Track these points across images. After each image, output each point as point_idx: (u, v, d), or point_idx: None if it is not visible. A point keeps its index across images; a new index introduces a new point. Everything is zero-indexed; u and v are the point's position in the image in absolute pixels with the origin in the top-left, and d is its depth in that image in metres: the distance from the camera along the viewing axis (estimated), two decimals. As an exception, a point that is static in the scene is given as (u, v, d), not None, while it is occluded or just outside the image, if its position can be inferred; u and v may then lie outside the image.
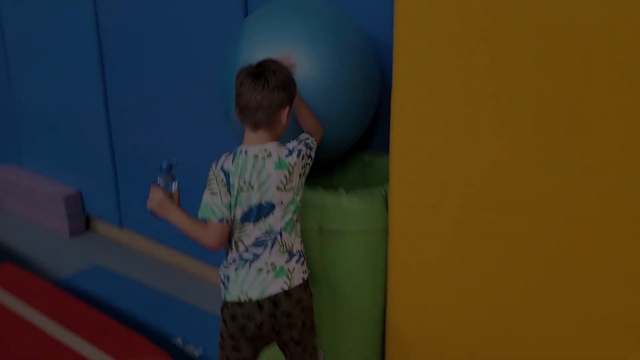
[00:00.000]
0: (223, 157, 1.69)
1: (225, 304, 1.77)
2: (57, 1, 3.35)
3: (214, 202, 1.66)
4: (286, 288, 1.71)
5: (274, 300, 1.71)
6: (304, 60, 1.86)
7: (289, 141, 1.76)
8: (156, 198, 1.72)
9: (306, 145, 1.76)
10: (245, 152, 1.68)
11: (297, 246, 1.75)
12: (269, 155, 1.68)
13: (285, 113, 1.69)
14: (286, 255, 1.72)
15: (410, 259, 1.78)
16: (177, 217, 1.71)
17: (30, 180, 3.81)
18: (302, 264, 1.76)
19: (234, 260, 1.73)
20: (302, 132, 1.83)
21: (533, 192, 1.53)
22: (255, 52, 1.86)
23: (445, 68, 1.57)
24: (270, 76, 1.65)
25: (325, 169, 2.33)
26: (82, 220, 3.66)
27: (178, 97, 2.99)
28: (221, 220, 1.67)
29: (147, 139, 3.21)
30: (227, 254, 1.77)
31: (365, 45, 2.05)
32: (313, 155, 1.78)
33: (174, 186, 1.75)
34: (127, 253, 3.45)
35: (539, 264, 1.57)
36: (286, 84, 1.68)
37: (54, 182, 3.74)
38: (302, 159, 1.73)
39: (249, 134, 1.70)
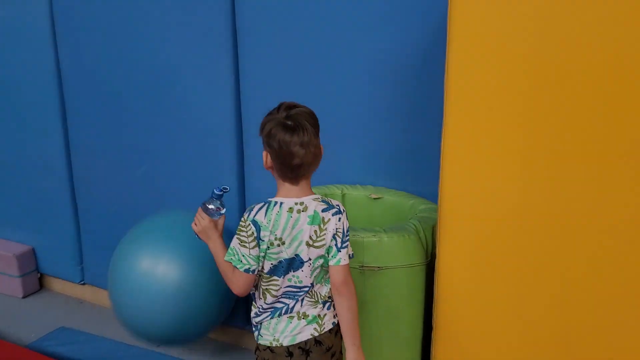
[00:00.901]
0: (255, 209, 1.66)
1: (257, 347, 1.77)
2: (13, 37, 3.15)
3: (241, 252, 1.66)
4: (316, 334, 1.71)
5: (304, 348, 1.70)
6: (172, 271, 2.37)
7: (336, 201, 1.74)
8: (201, 223, 1.76)
9: (347, 232, 1.70)
10: (280, 204, 1.65)
11: (328, 293, 1.75)
12: (305, 209, 1.65)
13: (322, 151, 1.67)
14: (319, 305, 1.73)
15: (458, 292, 1.87)
16: (216, 248, 1.75)
17: (-28, 239, 3.52)
18: (334, 308, 1.77)
19: (265, 309, 1.73)
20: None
21: (589, 221, 1.66)
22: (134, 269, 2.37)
23: (495, 105, 1.69)
24: (305, 124, 1.60)
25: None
26: (35, 279, 3.43)
27: (147, 145, 2.92)
28: (247, 270, 1.66)
29: (114, 190, 3.09)
30: (254, 299, 1.77)
31: None
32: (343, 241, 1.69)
33: (221, 213, 1.77)
34: (91, 310, 3.27)
35: (603, 297, 1.68)
36: (316, 123, 1.65)
37: (1, 240, 3.48)
38: (340, 221, 1.67)
39: (288, 187, 1.66)
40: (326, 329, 1.73)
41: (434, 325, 1.94)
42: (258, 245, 1.64)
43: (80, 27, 2.92)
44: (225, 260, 1.69)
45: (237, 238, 1.67)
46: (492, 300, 1.84)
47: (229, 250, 1.69)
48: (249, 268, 1.66)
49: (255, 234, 1.64)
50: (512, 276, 1.79)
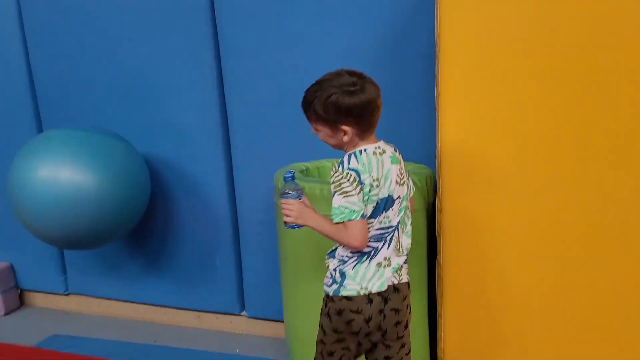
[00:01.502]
0: (345, 160, 1.70)
1: (330, 298, 1.77)
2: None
3: (350, 202, 1.67)
4: (395, 282, 1.76)
5: (384, 295, 1.74)
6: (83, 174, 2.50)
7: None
8: (294, 209, 1.77)
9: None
10: (365, 150, 1.72)
11: (408, 246, 1.82)
12: (384, 151, 1.75)
13: None
14: (402, 256, 1.80)
15: (461, 229, 2.09)
16: (318, 221, 1.76)
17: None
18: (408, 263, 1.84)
19: (351, 257, 1.76)
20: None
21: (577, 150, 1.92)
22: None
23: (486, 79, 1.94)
24: (364, 77, 1.70)
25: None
26: (16, 296, 3.38)
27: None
28: (363, 216, 1.68)
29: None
30: (336, 249, 1.79)
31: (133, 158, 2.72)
32: (410, 184, 1.85)
33: (302, 193, 1.80)
34: (80, 319, 3.25)
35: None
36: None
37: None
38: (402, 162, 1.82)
39: (367, 139, 1.74)
40: (403, 280, 1.79)
41: (439, 262, 2.13)
42: (362, 189, 1.68)
43: (54, 42, 2.96)
44: (336, 222, 1.68)
45: (338, 195, 1.68)
46: (494, 234, 2.06)
47: (335, 211, 1.68)
48: (363, 213, 1.68)
49: (357, 178, 1.67)
50: (513, 212, 2.02)
